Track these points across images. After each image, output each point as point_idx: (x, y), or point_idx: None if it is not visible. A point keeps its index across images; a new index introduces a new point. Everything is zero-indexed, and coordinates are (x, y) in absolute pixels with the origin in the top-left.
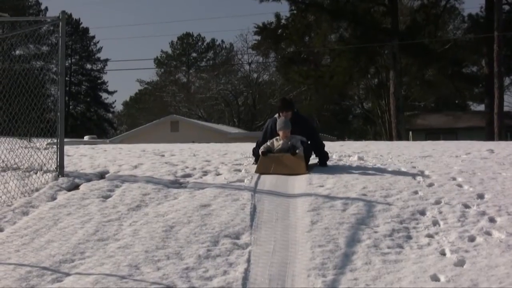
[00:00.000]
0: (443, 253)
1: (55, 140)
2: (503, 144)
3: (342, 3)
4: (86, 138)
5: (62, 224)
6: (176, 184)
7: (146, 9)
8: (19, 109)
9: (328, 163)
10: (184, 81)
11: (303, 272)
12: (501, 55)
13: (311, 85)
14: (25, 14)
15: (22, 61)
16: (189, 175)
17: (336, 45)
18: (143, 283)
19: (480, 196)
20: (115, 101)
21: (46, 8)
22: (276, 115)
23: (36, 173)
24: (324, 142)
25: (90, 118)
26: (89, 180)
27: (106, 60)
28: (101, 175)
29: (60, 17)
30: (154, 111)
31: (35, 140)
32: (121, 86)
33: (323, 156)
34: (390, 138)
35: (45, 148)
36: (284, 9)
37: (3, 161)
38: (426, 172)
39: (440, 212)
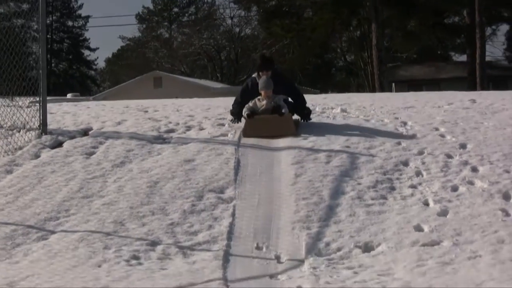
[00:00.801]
0: (426, 204)
1: (38, 98)
2: (485, 94)
3: None
4: (69, 96)
5: (46, 182)
6: (160, 139)
7: None
8: (1, 68)
9: (311, 116)
10: (167, 37)
11: (288, 225)
12: (482, 5)
13: (293, 38)
14: None
15: (2, 19)
16: (172, 131)
17: None
18: (128, 239)
19: (463, 146)
20: (97, 58)
21: None
22: (255, 74)
23: (19, 132)
24: (307, 96)
25: (73, 75)
26: (72, 137)
27: (88, 17)
28: (85, 132)
29: None
30: (137, 68)
31: (17, 98)
32: (103, 43)
33: (307, 112)
34: (373, 90)
35: (28, 106)
36: None
37: None
38: (409, 123)
39: (423, 163)
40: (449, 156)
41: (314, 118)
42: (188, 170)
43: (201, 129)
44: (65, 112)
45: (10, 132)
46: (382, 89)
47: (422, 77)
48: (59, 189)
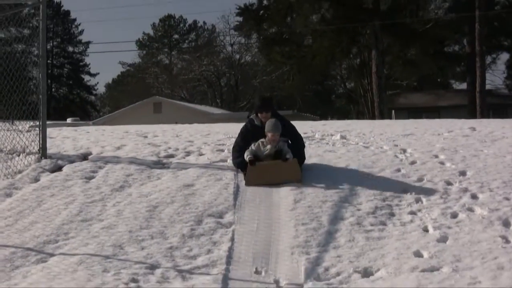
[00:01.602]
0: (426, 230)
1: (38, 123)
2: (485, 122)
3: None
4: (69, 120)
5: (46, 206)
6: (159, 164)
7: None
8: (1, 92)
9: (311, 141)
10: (167, 63)
11: (287, 250)
12: (483, 34)
13: (293, 65)
14: None
15: (3, 44)
16: (172, 156)
17: (318, 25)
18: (127, 263)
19: (462, 173)
20: (97, 83)
21: None
22: (253, 115)
23: (18, 155)
24: (306, 122)
25: (73, 100)
26: (72, 162)
27: (88, 43)
28: (84, 157)
29: (41, 0)
30: (137, 93)
31: (17, 122)
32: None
33: (302, 158)
34: (372, 117)
35: (28, 131)
36: None
37: None
38: (409, 150)
39: (423, 190)
40: (448, 183)
41: (313, 145)
42: (187, 195)
43: (201, 154)
44: (65, 137)
45: (10, 156)
46: (382, 116)
47: (422, 105)
48: (58, 212)
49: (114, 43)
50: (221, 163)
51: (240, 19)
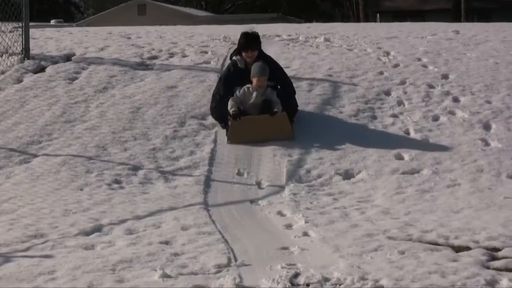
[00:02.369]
0: (407, 133)
1: (21, 24)
2: (468, 25)
3: None
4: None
5: (29, 106)
6: (143, 66)
7: None
8: None
9: (295, 44)
10: None
11: (269, 152)
12: None
13: None
14: None
15: None
16: (155, 57)
17: None
18: (110, 164)
19: (445, 77)
20: None
21: None
22: (236, 57)
23: (1, 56)
24: (292, 25)
25: (56, 1)
26: (55, 63)
27: None
28: (68, 58)
29: None
30: None
31: (0, 23)
32: None
33: (293, 107)
34: (357, 20)
35: (11, 31)
36: None
37: None
38: (392, 53)
39: (405, 92)
40: (431, 86)
41: (297, 47)
42: (170, 96)
43: (184, 56)
44: (48, 38)
45: None
46: (367, 20)
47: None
48: (41, 113)
49: None
50: (205, 65)
51: None
